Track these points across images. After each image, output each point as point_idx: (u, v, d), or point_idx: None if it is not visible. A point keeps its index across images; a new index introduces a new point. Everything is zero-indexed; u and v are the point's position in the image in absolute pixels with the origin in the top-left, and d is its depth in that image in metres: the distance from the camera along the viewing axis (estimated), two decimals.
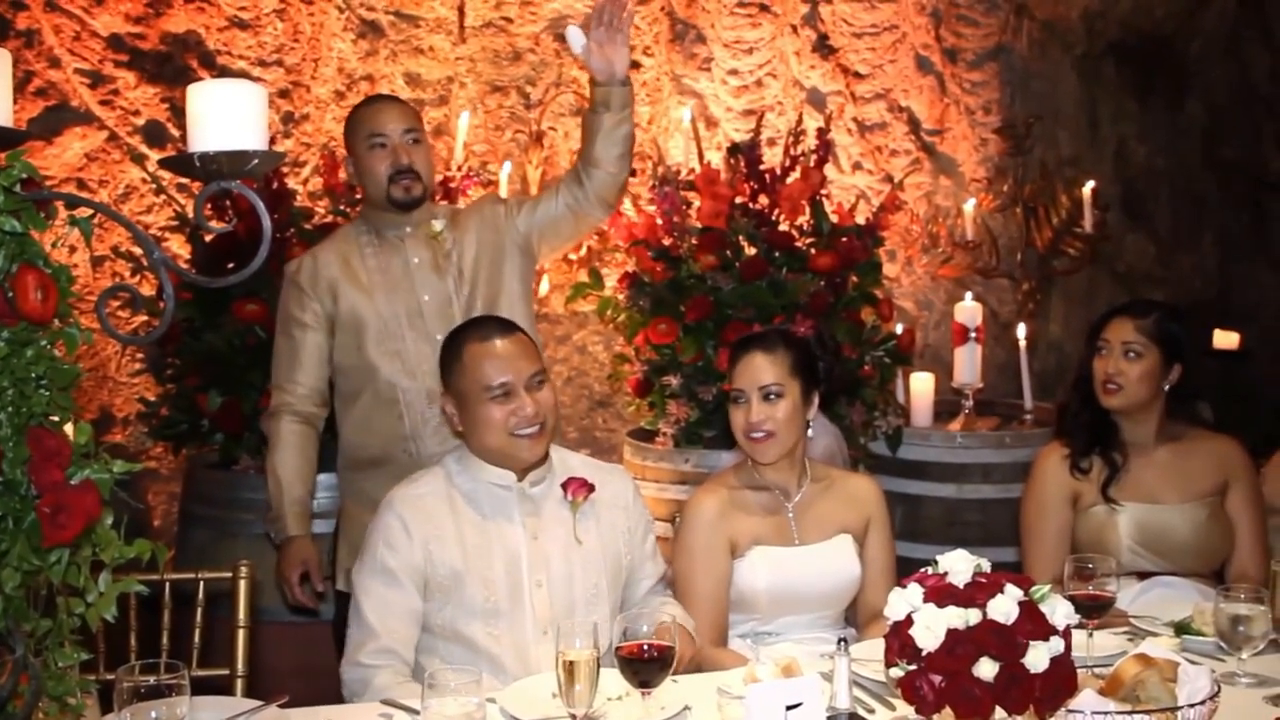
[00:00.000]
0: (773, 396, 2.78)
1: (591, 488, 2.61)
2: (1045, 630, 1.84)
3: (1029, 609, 1.85)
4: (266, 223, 1.64)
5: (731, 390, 2.82)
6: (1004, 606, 1.84)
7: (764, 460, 2.82)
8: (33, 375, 1.55)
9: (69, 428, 1.60)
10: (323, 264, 3.17)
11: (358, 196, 4.08)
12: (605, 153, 3.16)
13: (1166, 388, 3.05)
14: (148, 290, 4.16)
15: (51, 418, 1.58)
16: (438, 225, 3.18)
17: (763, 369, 2.79)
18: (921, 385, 4.47)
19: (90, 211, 1.64)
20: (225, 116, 1.59)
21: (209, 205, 3.74)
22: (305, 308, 3.15)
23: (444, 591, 2.50)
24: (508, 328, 2.62)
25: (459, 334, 2.64)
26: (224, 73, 4.46)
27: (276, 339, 3.22)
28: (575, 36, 3.10)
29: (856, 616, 2.89)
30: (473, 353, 2.55)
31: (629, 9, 3.11)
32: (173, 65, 4.44)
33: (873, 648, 2.43)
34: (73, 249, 3.87)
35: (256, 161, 1.61)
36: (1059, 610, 1.88)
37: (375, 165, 3.13)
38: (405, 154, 3.12)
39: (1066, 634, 1.89)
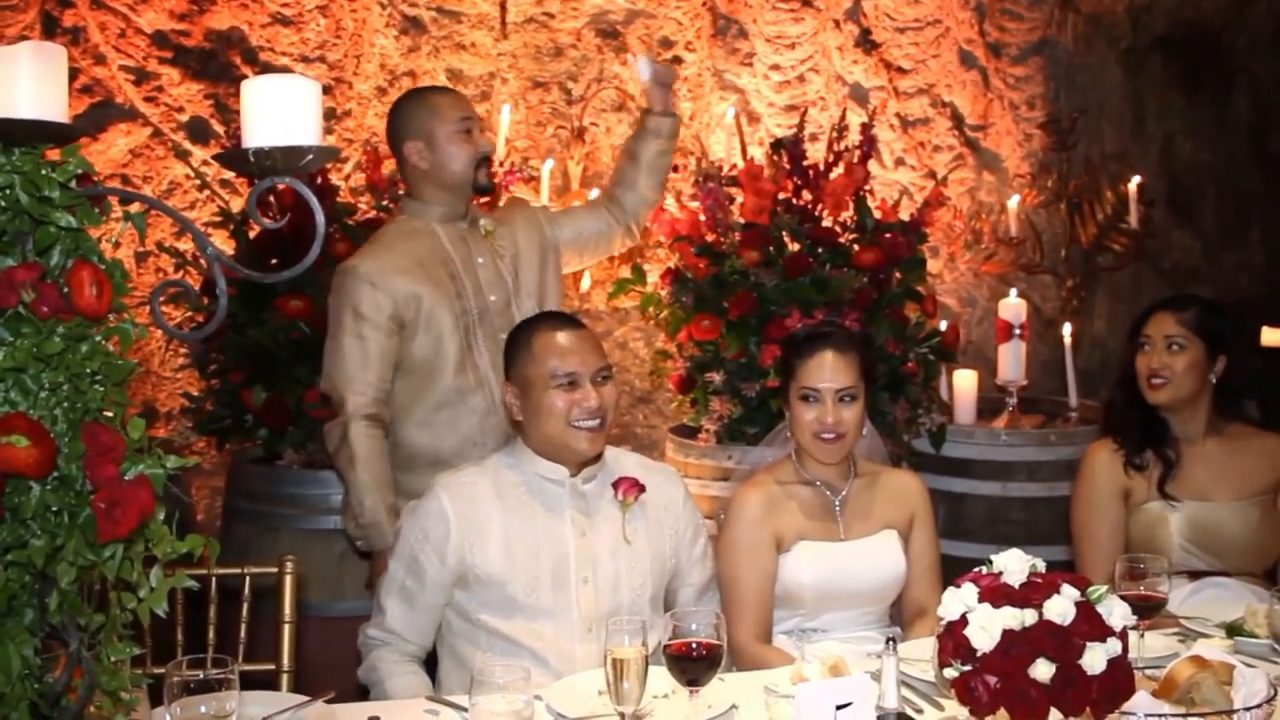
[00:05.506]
0: (848, 399, 2.75)
1: (643, 488, 2.61)
2: (1103, 631, 1.82)
3: (1086, 610, 1.82)
4: (320, 219, 1.63)
5: (804, 389, 2.76)
6: (1060, 607, 1.82)
7: (830, 460, 2.79)
8: (88, 370, 1.56)
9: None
10: (391, 263, 3.08)
11: (400, 191, 4.08)
12: (648, 179, 3.21)
13: (1213, 380, 3.02)
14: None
15: (106, 413, 1.58)
16: (489, 225, 3.20)
17: (840, 371, 2.75)
18: (965, 382, 4.43)
19: (144, 207, 1.64)
20: (280, 112, 1.58)
21: None
22: (379, 307, 3.04)
23: (483, 585, 2.51)
24: (577, 323, 2.65)
25: (529, 324, 2.66)
26: (267, 69, 4.48)
27: (344, 339, 3.06)
28: (645, 66, 3.11)
29: (901, 614, 2.87)
30: (543, 341, 2.56)
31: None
32: (216, 62, 4.46)
33: (920, 647, 2.42)
34: (116, 244, 3.89)
35: (311, 157, 1.60)
36: (1116, 611, 1.86)
37: (463, 150, 3.13)
38: (486, 142, 3.19)
39: (1124, 635, 1.86)
